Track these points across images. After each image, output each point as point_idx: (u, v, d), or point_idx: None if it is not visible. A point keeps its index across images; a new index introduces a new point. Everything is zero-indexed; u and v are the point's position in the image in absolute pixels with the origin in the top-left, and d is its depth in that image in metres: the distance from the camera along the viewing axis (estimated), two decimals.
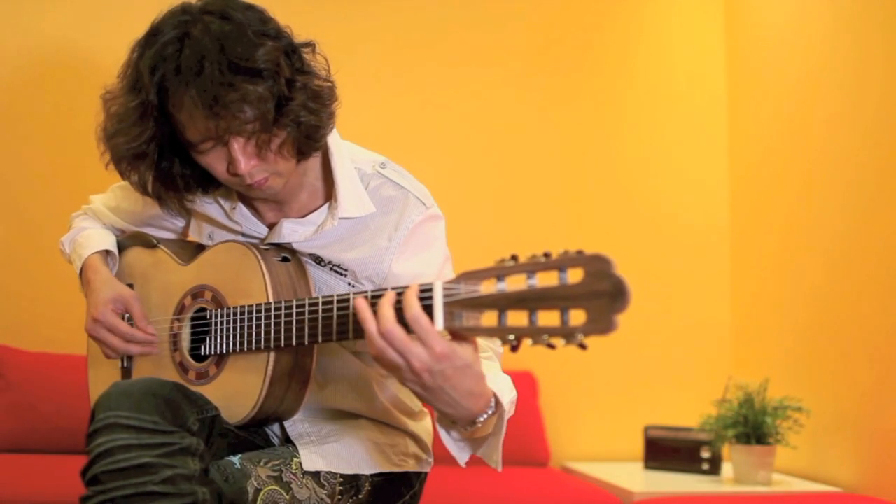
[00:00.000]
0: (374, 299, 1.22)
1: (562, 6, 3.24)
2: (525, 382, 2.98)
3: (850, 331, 2.57)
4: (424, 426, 1.66)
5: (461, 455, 1.32)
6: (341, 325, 1.30)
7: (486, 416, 1.23)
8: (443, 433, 1.30)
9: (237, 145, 1.36)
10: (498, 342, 1.46)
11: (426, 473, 1.64)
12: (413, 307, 1.14)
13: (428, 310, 1.15)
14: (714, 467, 2.71)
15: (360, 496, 1.50)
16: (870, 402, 2.48)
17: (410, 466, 1.58)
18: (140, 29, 1.40)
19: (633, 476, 2.74)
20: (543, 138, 3.19)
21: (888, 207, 2.44)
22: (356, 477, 1.50)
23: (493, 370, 1.34)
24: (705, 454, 2.72)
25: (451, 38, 3.17)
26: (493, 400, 1.24)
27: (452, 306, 1.14)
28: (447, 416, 1.24)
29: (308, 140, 1.41)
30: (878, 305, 2.46)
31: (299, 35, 1.41)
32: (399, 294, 1.18)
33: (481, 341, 1.43)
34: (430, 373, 1.15)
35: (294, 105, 1.36)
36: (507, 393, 1.29)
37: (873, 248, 2.49)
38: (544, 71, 3.20)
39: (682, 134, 3.26)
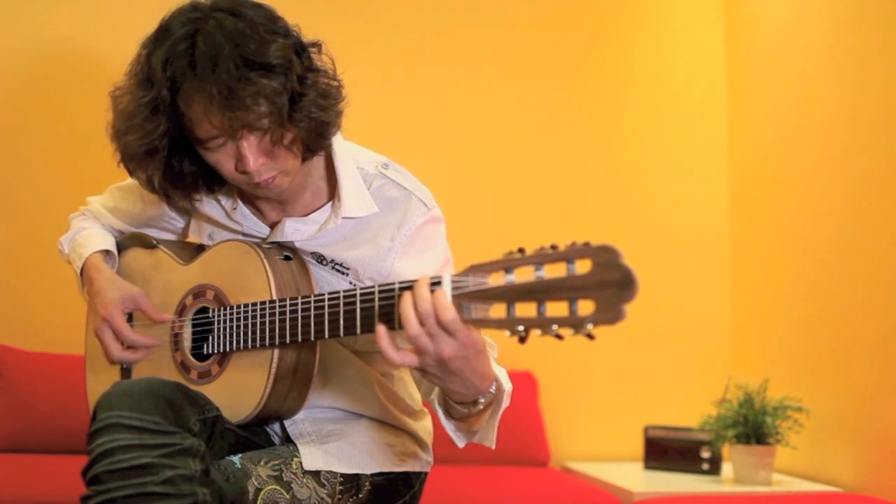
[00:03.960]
0: (384, 294, 1.26)
1: (562, 6, 3.24)
2: (525, 382, 2.98)
3: (850, 331, 2.57)
4: (425, 426, 1.66)
5: (458, 440, 1.41)
6: (348, 320, 1.31)
7: (487, 395, 1.30)
8: (443, 419, 1.37)
9: (247, 142, 1.37)
10: (494, 344, 1.50)
11: (426, 473, 1.64)
12: (443, 300, 1.16)
13: None
14: (714, 467, 2.71)
15: (361, 495, 1.50)
16: (870, 402, 2.48)
17: (410, 466, 1.58)
18: (142, 29, 1.40)
19: (633, 476, 2.74)
20: (544, 138, 3.19)
21: (888, 207, 2.44)
22: (356, 476, 1.50)
23: (492, 362, 1.38)
24: (705, 454, 2.72)
25: (451, 38, 3.17)
26: (494, 383, 1.31)
27: (461, 298, 1.15)
28: (454, 395, 1.29)
29: (318, 137, 1.42)
30: (879, 305, 2.46)
31: (304, 35, 1.42)
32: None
33: None
34: (456, 359, 1.19)
35: (306, 101, 1.37)
36: (505, 382, 1.36)
37: (873, 248, 2.49)
38: (545, 71, 3.20)
39: (682, 134, 3.26)
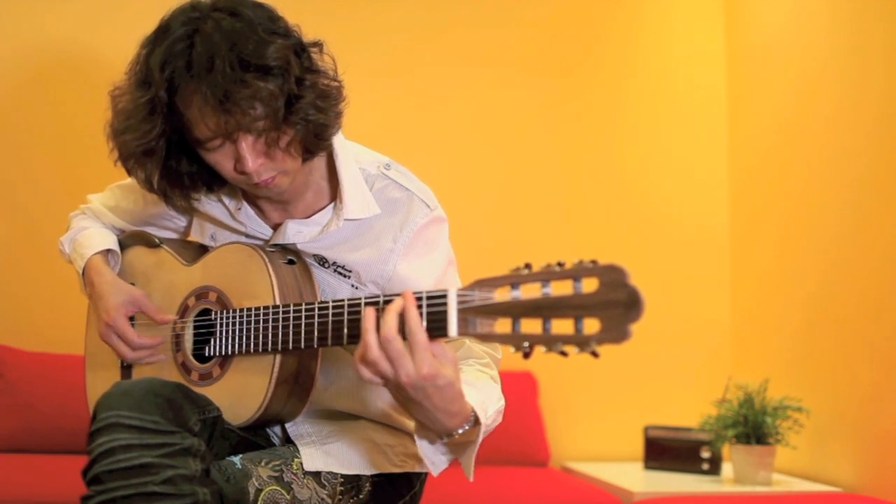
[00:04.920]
0: (376, 305, 1.25)
1: (563, 7, 3.24)
2: (525, 382, 2.98)
3: (850, 331, 2.57)
4: None
5: (436, 460, 1.35)
6: (351, 329, 1.30)
7: (462, 430, 1.27)
8: (419, 440, 1.32)
9: (245, 143, 1.36)
10: (498, 347, 1.49)
11: (426, 474, 1.64)
12: (413, 319, 1.17)
13: (442, 315, 1.17)
14: (714, 467, 2.71)
15: (361, 496, 1.50)
16: (870, 402, 2.48)
17: (411, 467, 1.58)
18: (142, 28, 1.40)
19: (633, 476, 2.74)
20: (544, 139, 3.19)
21: (888, 207, 2.44)
22: (357, 477, 1.50)
23: (483, 380, 1.39)
24: (705, 454, 2.72)
25: (452, 38, 3.17)
26: (472, 416, 1.28)
27: (466, 313, 1.15)
28: (423, 427, 1.28)
29: (316, 139, 1.41)
30: (878, 305, 2.46)
31: (304, 35, 1.41)
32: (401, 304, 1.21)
33: (479, 347, 1.46)
34: (414, 388, 1.19)
35: (303, 103, 1.36)
36: (492, 405, 1.33)
37: (873, 248, 2.50)
38: (545, 71, 3.20)
39: (681, 134, 3.26)
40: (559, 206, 3.17)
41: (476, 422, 1.28)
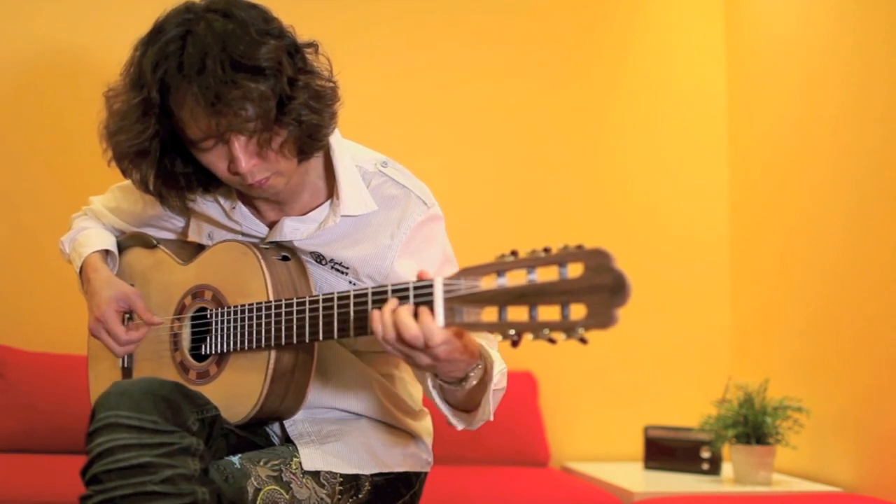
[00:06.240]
0: (377, 297, 1.27)
1: (562, 6, 3.23)
2: (525, 382, 2.98)
3: (850, 331, 2.57)
4: (425, 426, 1.66)
5: (457, 422, 1.42)
6: (342, 322, 1.31)
7: (475, 369, 1.31)
8: (440, 404, 1.39)
9: (238, 144, 1.36)
10: (492, 338, 1.50)
11: (426, 473, 1.64)
12: (410, 329, 1.20)
13: (428, 305, 1.18)
14: (714, 467, 2.71)
15: (360, 496, 1.51)
16: (870, 402, 2.48)
17: (410, 466, 1.59)
18: (138, 29, 1.40)
19: (633, 476, 2.74)
20: (542, 139, 3.19)
21: (888, 209, 2.44)
22: (356, 477, 1.50)
23: (485, 346, 1.41)
24: (705, 454, 2.72)
25: (450, 38, 3.16)
26: (480, 359, 1.32)
27: (453, 302, 1.15)
28: (442, 375, 1.32)
29: (309, 140, 1.41)
30: (879, 305, 2.46)
31: (301, 34, 1.41)
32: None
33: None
34: (444, 351, 1.23)
35: (296, 104, 1.36)
36: (496, 364, 1.36)
37: (873, 249, 2.49)
38: (544, 71, 3.20)
39: (682, 135, 3.26)
40: (558, 207, 3.17)
41: (483, 360, 1.32)
